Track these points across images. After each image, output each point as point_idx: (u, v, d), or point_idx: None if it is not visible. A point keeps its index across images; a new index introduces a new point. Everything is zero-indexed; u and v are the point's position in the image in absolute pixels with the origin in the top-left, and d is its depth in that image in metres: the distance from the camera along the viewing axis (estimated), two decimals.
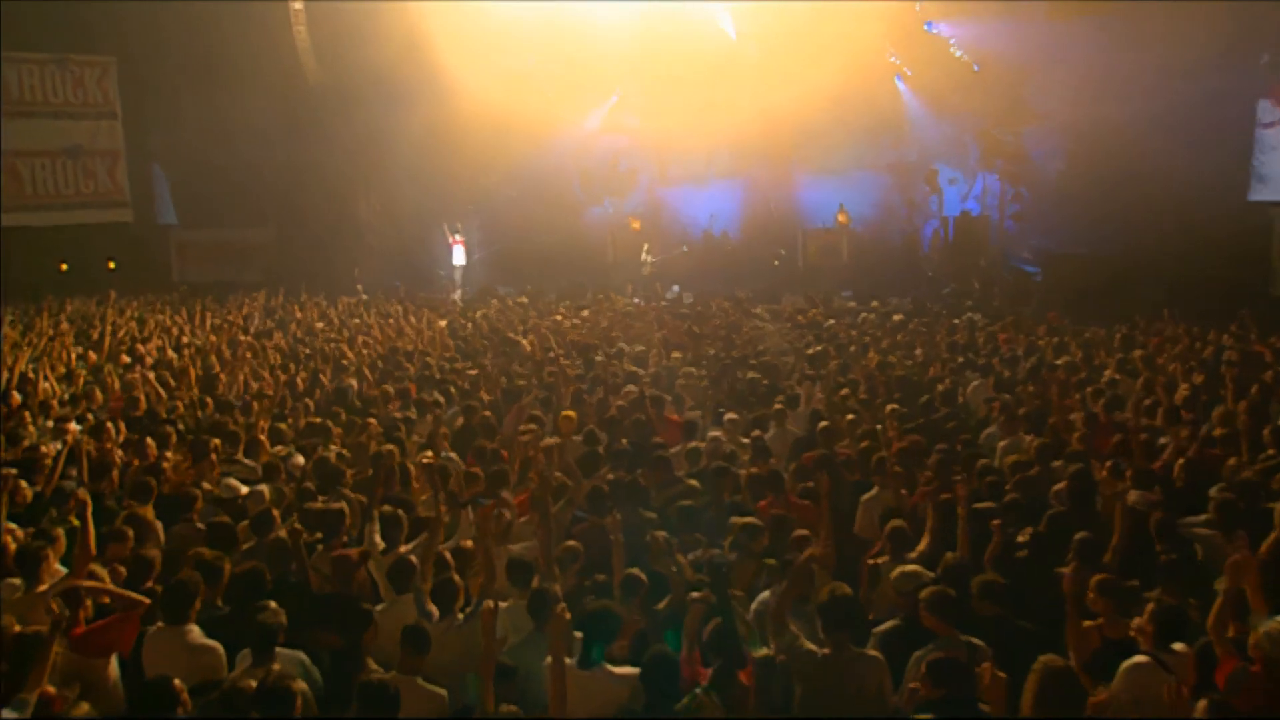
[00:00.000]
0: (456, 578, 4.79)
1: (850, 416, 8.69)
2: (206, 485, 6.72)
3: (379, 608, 4.85)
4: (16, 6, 20.38)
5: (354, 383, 10.35)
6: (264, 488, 6.58)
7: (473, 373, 10.75)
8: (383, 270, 22.92)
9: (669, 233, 24.58)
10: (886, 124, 22.47)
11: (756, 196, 24.00)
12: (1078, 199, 19.53)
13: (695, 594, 4.46)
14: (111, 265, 23.68)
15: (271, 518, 5.72)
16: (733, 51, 21.77)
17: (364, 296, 18.71)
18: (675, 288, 21.46)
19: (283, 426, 8.43)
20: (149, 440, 7.48)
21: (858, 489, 7.00)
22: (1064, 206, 19.71)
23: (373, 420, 8.62)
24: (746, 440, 8.10)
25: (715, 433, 8.25)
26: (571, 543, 5.45)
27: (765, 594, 4.88)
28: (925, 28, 21.38)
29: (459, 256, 22.71)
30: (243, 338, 13.66)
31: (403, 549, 5.54)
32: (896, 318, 14.98)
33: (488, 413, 9.07)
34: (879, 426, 8.28)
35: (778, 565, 5.02)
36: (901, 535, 5.61)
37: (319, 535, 5.66)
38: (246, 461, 7.34)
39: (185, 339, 13.69)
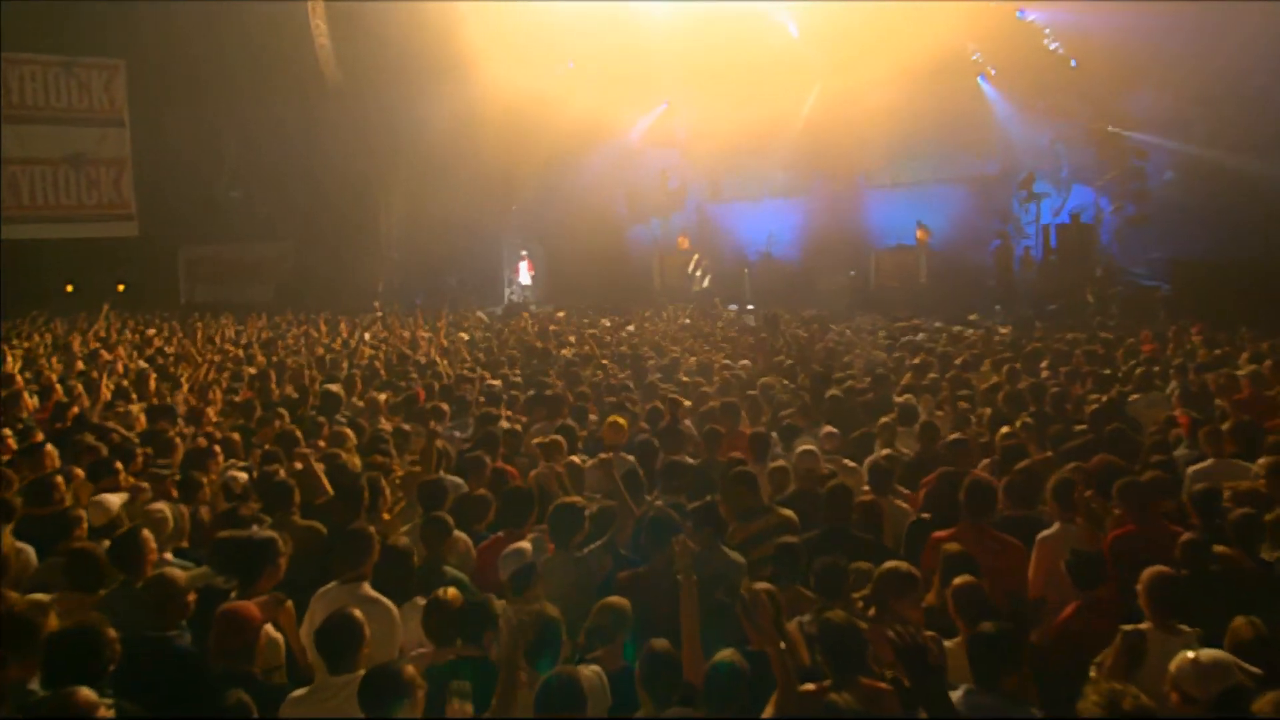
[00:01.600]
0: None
1: (982, 436, 6.92)
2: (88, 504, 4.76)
3: (294, 695, 3.19)
4: (20, 6, 19.88)
5: (342, 391, 8.44)
6: (163, 506, 4.58)
7: (494, 383, 9.55)
8: (407, 285, 22.39)
9: (721, 254, 23.62)
10: (967, 131, 21.01)
11: (820, 214, 22.68)
12: (1195, 204, 17.45)
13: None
14: (121, 288, 22.54)
15: (138, 547, 3.64)
16: (794, 53, 20.87)
17: (379, 314, 17.59)
18: (734, 306, 20.31)
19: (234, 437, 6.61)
20: (49, 450, 5.93)
21: (1011, 526, 5.12)
22: (1180, 213, 17.66)
23: (347, 430, 7.14)
24: (851, 463, 6.48)
25: (807, 445, 6.13)
26: (614, 601, 3.74)
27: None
28: (1017, 16, 19.30)
29: (525, 275, 22.09)
30: (230, 347, 12.18)
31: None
32: (1003, 330, 12.83)
33: (507, 424, 7.41)
34: (1023, 443, 6.19)
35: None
36: (1171, 594, 3.46)
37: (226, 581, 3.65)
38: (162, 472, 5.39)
39: (165, 348, 11.98)
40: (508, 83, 19.93)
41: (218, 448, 6.29)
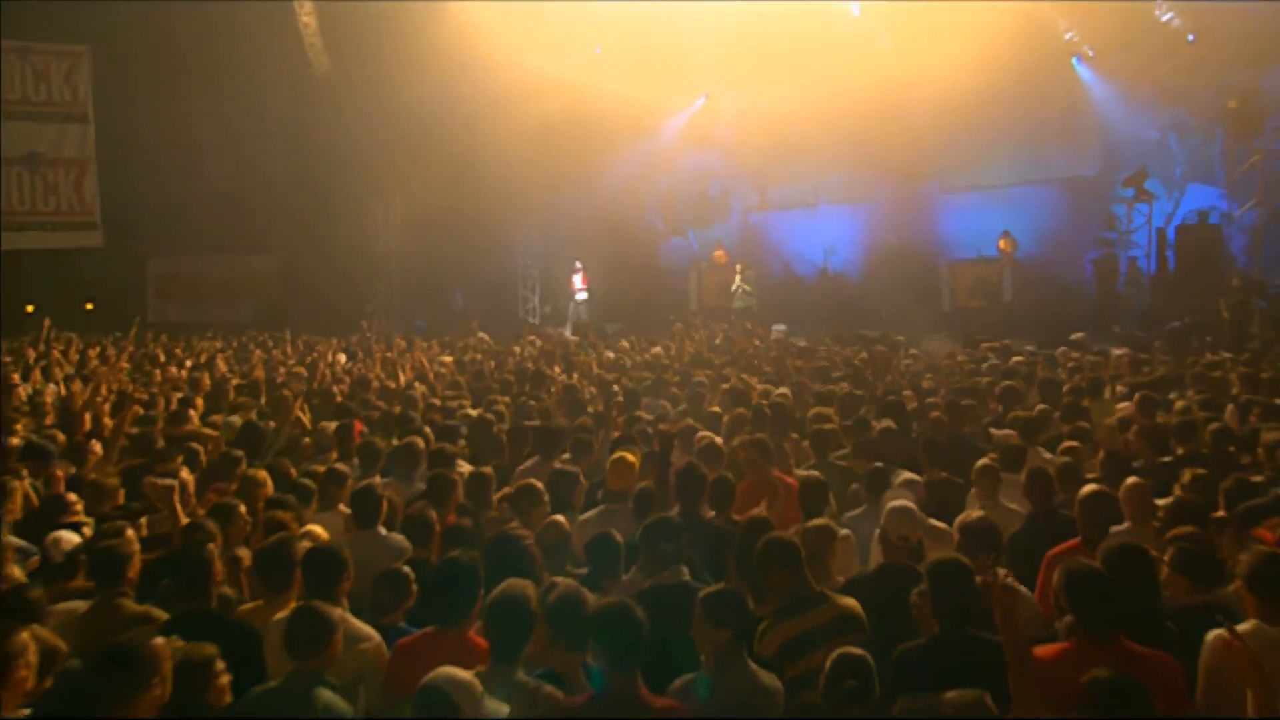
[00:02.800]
0: None
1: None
2: None
3: None
4: None
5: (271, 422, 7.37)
6: None
7: (473, 413, 8.65)
8: (407, 303, 21.96)
9: (770, 270, 23.35)
10: (1060, 123, 20.42)
11: (886, 223, 22.04)
12: None
13: None
14: (90, 306, 21.94)
15: None
16: (856, 36, 20.39)
17: (369, 335, 17.14)
18: (779, 326, 19.50)
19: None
20: None
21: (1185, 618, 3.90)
22: None
23: (261, 473, 6.23)
24: (939, 524, 5.30)
25: (900, 500, 4.96)
26: None
27: None
28: None
29: (579, 289, 21.76)
30: (171, 371, 10.98)
31: None
32: (1117, 353, 11.54)
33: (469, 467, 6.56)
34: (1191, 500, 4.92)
35: None
36: None
37: None
38: None
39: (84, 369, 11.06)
40: (524, 72, 19.81)
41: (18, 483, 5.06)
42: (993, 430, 7.49)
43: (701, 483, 5.56)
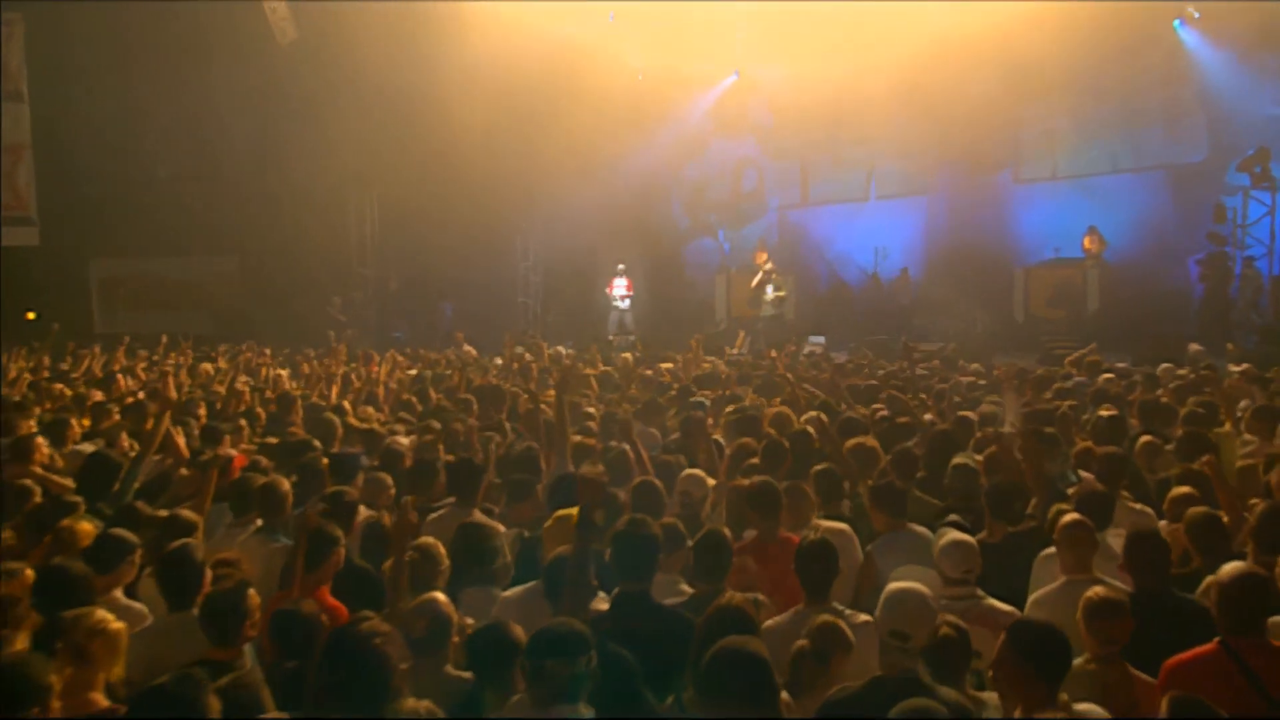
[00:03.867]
0: None
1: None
2: None
3: None
4: None
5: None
6: None
7: (404, 440, 7.93)
8: (386, 312, 22.09)
9: (813, 275, 23.19)
10: (1159, 99, 20.02)
11: (948, 219, 21.86)
12: None
13: None
14: (31, 316, 21.48)
15: None
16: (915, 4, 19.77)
17: (338, 346, 16.21)
18: (817, 339, 19.20)
19: None
20: None
21: None
22: None
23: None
24: (1005, 607, 4.65)
25: (904, 582, 4.11)
26: None
27: None
28: None
29: (621, 295, 21.59)
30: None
31: None
32: (1235, 370, 10.73)
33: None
34: None
35: None
36: None
37: None
38: None
39: None
40: (526, 43, 19.36)
41: None
42: (1083, 474, 6.46)
43: (647, 550, 4.44)
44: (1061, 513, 5.14)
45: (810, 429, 7.61)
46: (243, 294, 22.53)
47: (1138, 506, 5.98)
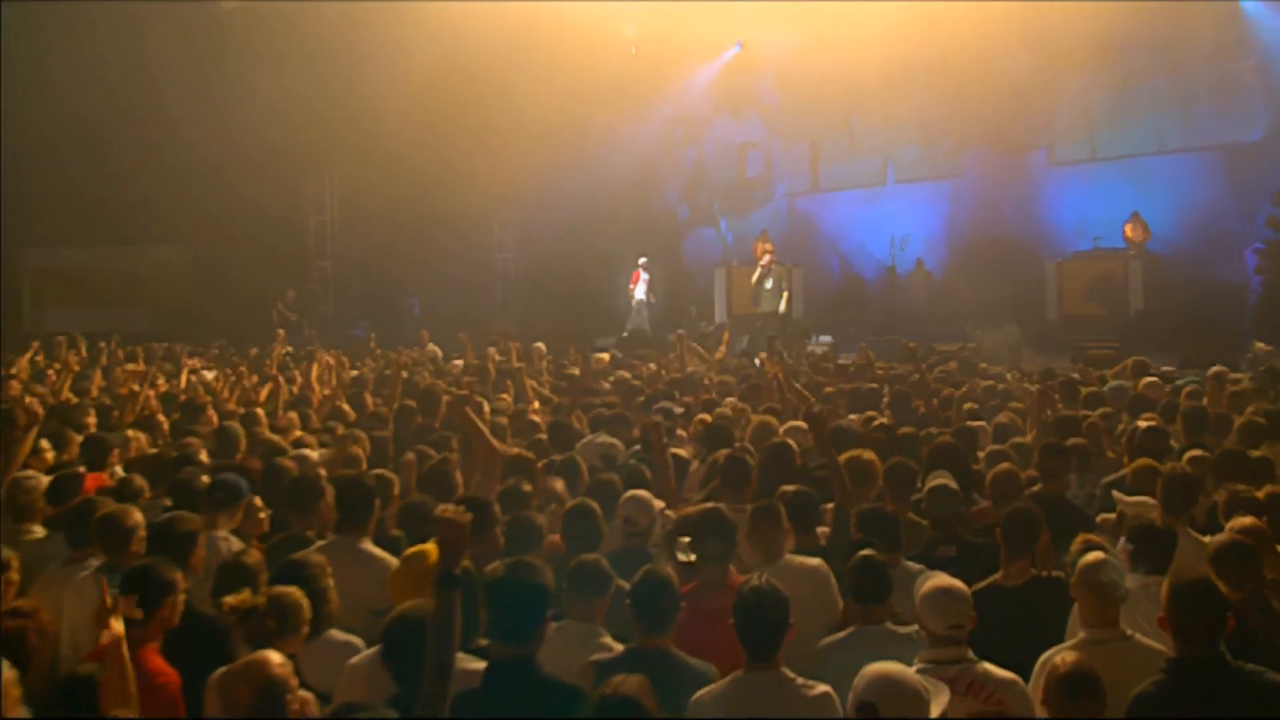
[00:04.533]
0: None
1: None
2: None
3: None
4: None
5: None
6: None
7: (313, 454, 7.50)
8: (344, 308, 22.45)
9: (824, 268, 23.19)
10: (1211, 71, 19.78)
11: (974, 206, 21.75)
12: None
13: None
14: None
15: None
16: None
17: (288, 349, 16.06)
18: (824, 338, 19.07)
19: None
20: None
21: None
22: None
23: None
24: (1006, 675, 4.08)
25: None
26: None
27: None
28: None
29: (640, 291, 21.58)
30: None
31: None
32: None
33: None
34: None
35: None
36: None
37: None
38: None
39: None
40: (506, 9, 19.57)
41: None
42: (1119, 495, 5.73)
43: (530, 604, 3.81)
44: (1087, 548, 4.52)
45: (791, 441, 7.05)
46: (189, 287, 22.43)
47: (1203, 539, 5.30)
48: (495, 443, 6.43)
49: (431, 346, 16.75)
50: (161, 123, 20.63)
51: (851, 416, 8.56)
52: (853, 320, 20.97)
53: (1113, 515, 5.63)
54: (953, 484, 5.86)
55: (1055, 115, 21.26)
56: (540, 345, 15.37)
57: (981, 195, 21.51)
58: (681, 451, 7.46)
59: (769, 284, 19.27)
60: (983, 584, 4.76)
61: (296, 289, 20.91)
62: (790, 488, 5.64)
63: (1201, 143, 20.04)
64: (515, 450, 7.10)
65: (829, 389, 10.72)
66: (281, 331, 17.35)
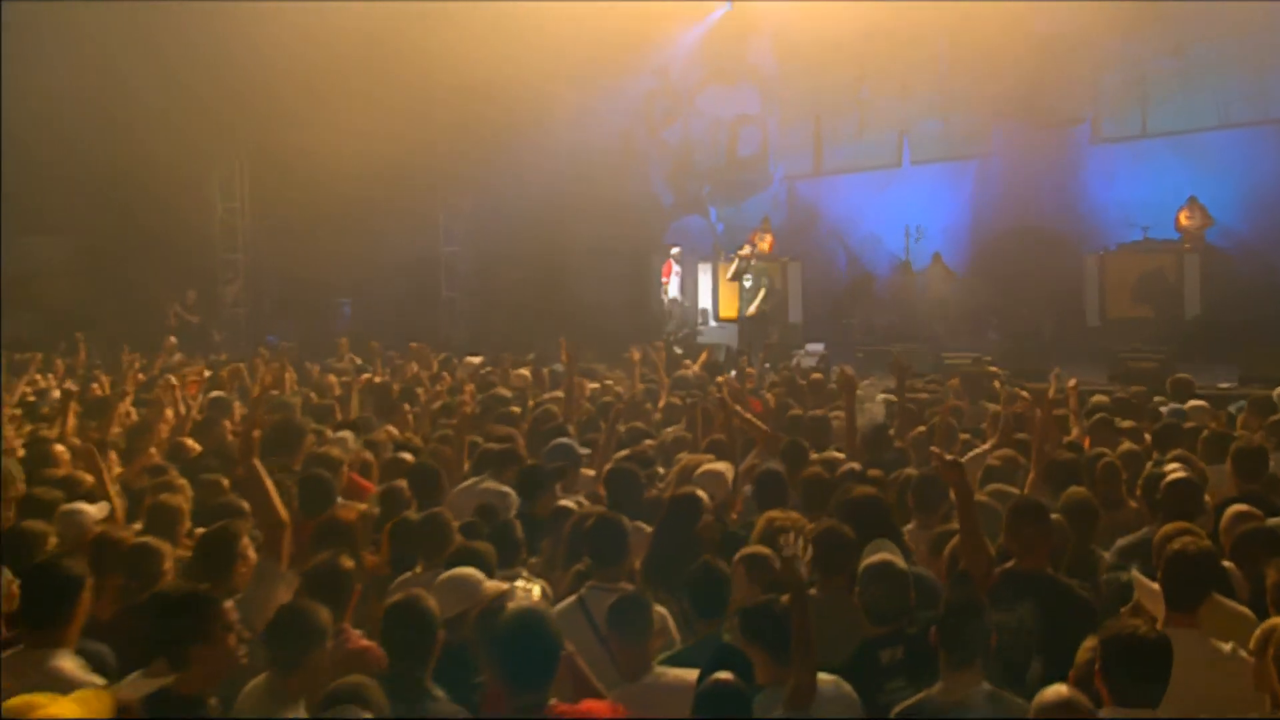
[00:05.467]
0: None
1: None
2: None
3: None
4: None
5: None
6: None
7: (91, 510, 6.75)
8: (259, 312, 22.32)
9: (825, 264, 23.06)
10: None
11: (1002, 190, 21.55)
12: None
13: None
14: None
15: None
16: None
17: (176, 357, 15.83)
18: (814, 347, 18.74)
19: None
20: None
21: None
22: None
23: None
24: None
25: None
26: None
27: None
28: None
29: (674, 288, 21.50)
30: None
31: None
32: None
33: None
34: None
35: None
36: None
37: None
38: None
39: None
40: None
41: None
42: (1139, 580, 5.04)
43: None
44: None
45: (700, 492, 6.43)
46: (80, 285, 22.08)
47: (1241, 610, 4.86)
48: (283, 511, 5.54)
49: (351, 356, 16.38)
50: (44, 94, 20.20)
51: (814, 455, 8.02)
52: (861, 325, 20.97)
53: (1127, 607, 4.91)
54: (898, 560, 5.09)
55: (1100, 83, 21.16)
56: (473, 359, 14.94)
57: (1012, 178, 21.34)
58: (568, 503, 6.93)
59: (748, 281, 18.88)
60: (912, 700, 4.35)
61: (200, 288, 20.71)
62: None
63: (1272, 115, 19.72)
64: (343, 510, 6.50)
65: (795, 411, 10.12)
66: (171, 339, 17.09)
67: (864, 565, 5.01)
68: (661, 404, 11.47)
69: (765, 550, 5.26)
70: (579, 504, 7.07)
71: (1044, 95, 21.02)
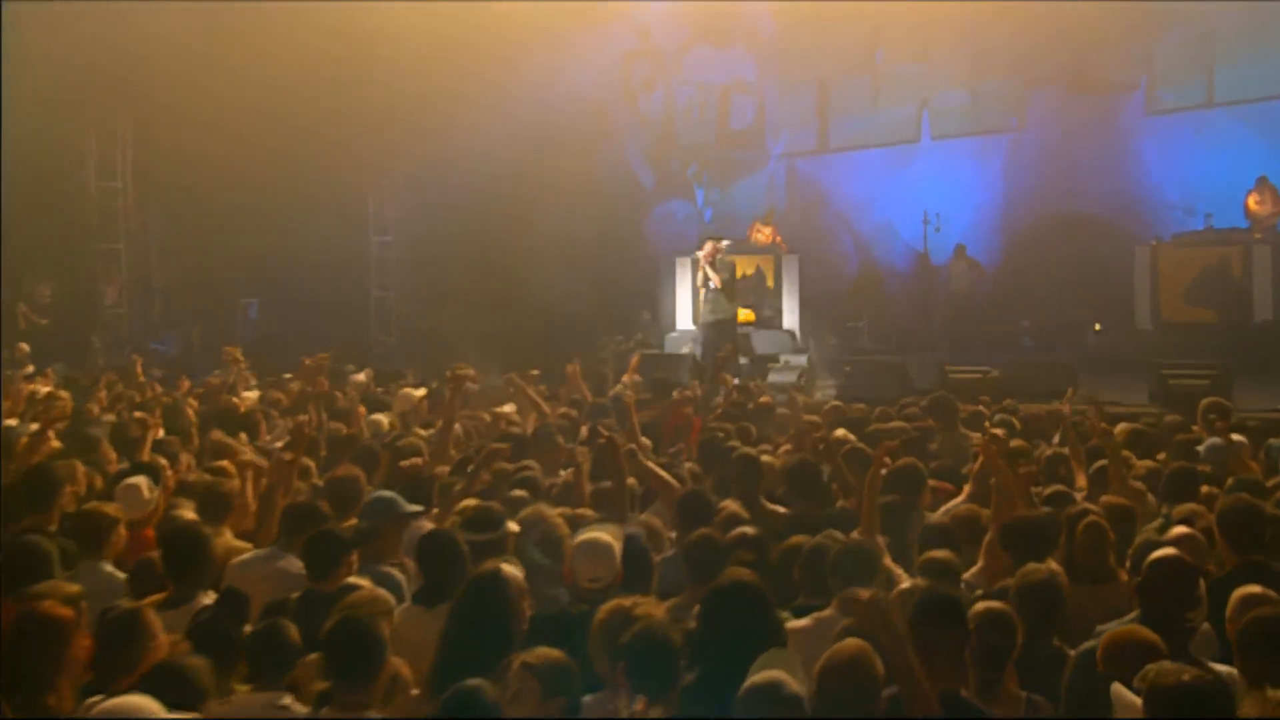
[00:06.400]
0: None
1: None
2: None
3: None
4: None
5: None
6: None
7: None
8: (157, 309, 22.09)
9: (830, 255, 22.74)
10: None
11: (1039, 168, 21.49)
12: None
13: None
14: None
15: None
16: None
17: (28, 368, 15.53)
18: (791, 358, 18.55)
19: None
20: None
21: None
22: None
23: None
24: None
25: None
26: None
27: None
28: None
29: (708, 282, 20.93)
30: None
31: None
32: None
33: None
34: None
35: None
36: None
37: None
38: None
39: None
40: None
41: None
42: (1119, 692, 4.80)
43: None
44: None
45: (509, 569, 5.70)
46: None
47: None
48: None
49: (241, 371, 15.04)
50: None
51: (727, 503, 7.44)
52: (871, 329, 20.74)
53: None
54: (789, 683, 4.49)
55: (1157, 45, 21.11)
56: (361, 376, 14.44)
57: (1050, 155, 21.21)
58: (360, 580, 6.25)
59: (708, 283, 18.22)
60: None
61: (72, 285, 20.43)
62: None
63: None
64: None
65: (732, 444, 9.25)
66: (23, 346, 16.71)
67: (745, 688, 4.41)
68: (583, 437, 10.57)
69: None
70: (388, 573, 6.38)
71: (1089, 58, 21.01)
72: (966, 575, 6.37)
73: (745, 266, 20.62)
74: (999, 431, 7.59)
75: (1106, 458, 7.77)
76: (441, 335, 21.61)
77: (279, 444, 10.38)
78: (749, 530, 6.63)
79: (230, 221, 21.31)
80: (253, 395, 13.26)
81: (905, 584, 6.57)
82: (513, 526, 6.59)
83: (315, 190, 21.23)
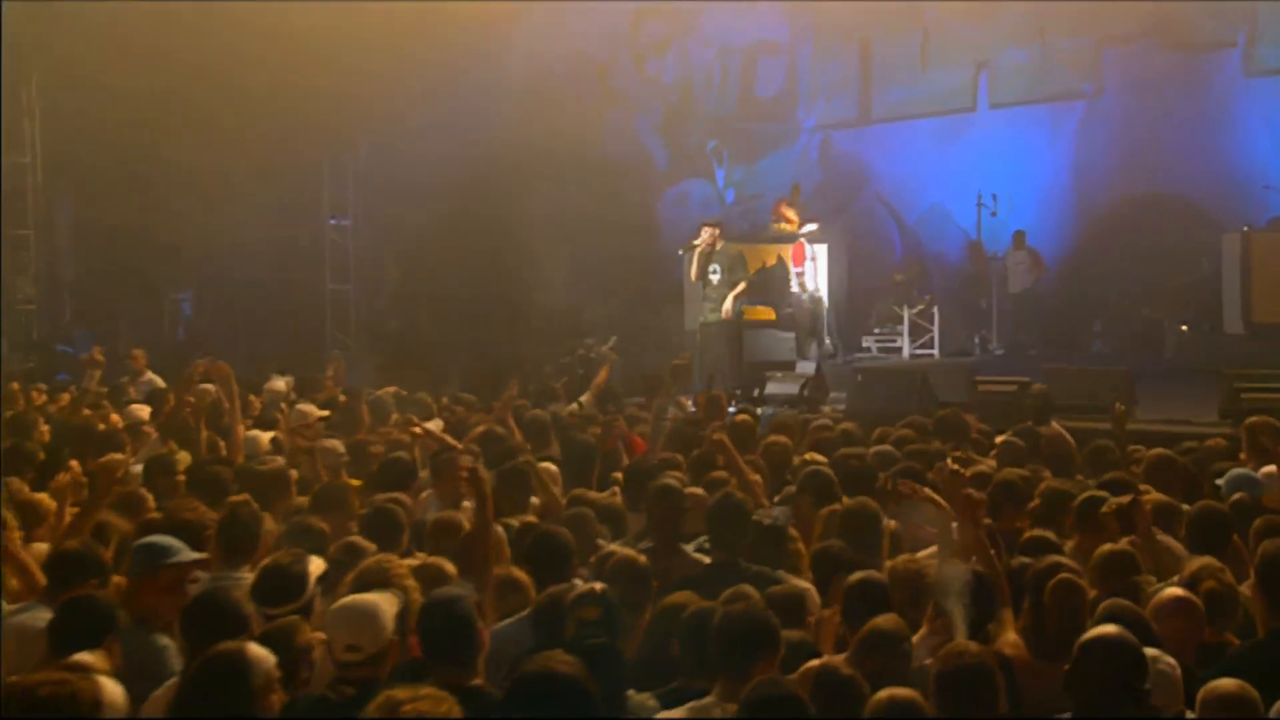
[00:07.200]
0: None
1: None
2: None
3: None
4: None
5: None
6: None
7: None
8: (67, 304, 22.41)
9: (868, 244, 22.74)
10: None
11: (1115, 144, 21.37)
12: None
13: None
14: None
15: None
16: None
17: None
18: (805, 364, 18.43)
19: None
20: None
21: None
22: None
23: None
24: None
25: None
26: None
27: None
28: None
29: (810, 278, 20.78)
30: None
31: None
32: None
33: None
34: None
35: None
36: None
37: None
38: None
39: None
40: None
41: None
42: None
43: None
44: None
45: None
46: None
47: None
48: None
49: (150, 375, 15.21)
50: None
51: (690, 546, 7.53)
52: (922, 323, 20.49)
53: None
54: None
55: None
56: (280, 384, 13.89)
57: (1128, 126, 21.02)
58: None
59: (714, 275, 17.48)
60: None
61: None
62: None
63: None
64: None
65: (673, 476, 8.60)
66: None
67: None
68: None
69: None
70: None
71: (1177, 10, 20.58)
72: (915, 638, 5.88)
73: (766, 256, 20.14)
74: (955, 465, 6.79)
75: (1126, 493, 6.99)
76: (417, 335, 21.35)
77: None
78: (597, 586, 5.78)
79: (157, 202, 20.96)
80: (143, 410, 12.28)
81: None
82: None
83: (259, 164, 20.61)
